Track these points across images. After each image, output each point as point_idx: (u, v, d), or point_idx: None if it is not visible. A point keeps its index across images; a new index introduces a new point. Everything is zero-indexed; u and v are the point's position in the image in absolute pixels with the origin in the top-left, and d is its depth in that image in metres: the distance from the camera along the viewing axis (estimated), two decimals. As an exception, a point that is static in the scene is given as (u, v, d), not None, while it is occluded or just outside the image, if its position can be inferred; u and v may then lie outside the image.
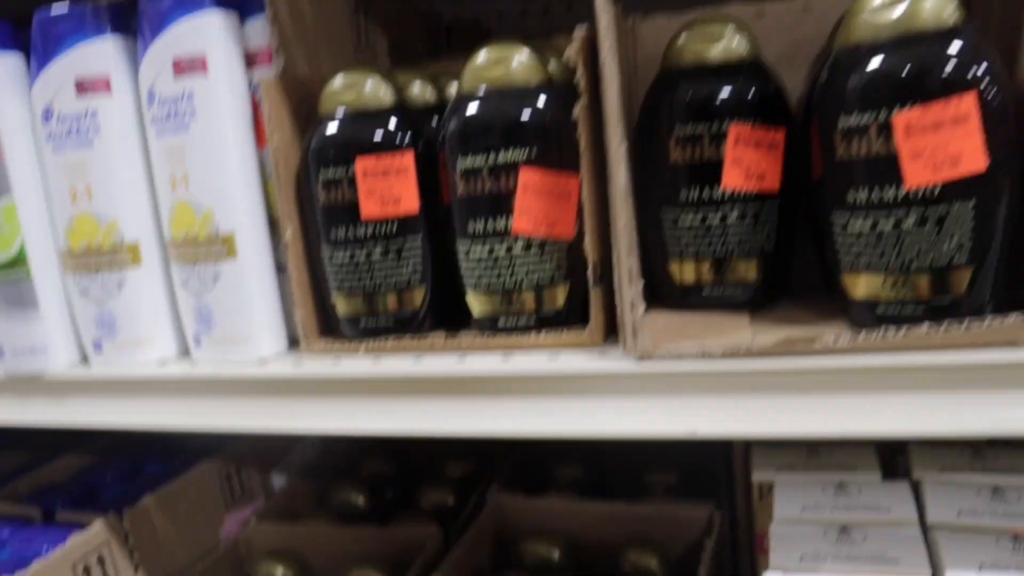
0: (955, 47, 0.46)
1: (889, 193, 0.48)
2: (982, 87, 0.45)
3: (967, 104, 0.45)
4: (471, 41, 1.13)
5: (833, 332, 0.50)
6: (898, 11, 0.47)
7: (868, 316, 0.51)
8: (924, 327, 0.48)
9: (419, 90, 0.70)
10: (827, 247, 0.53)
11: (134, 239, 0.69)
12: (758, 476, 0.76)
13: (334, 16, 0.73)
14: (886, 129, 0.47)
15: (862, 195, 0.49)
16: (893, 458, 0.80)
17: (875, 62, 0.47)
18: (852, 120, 0.48)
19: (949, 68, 0.46)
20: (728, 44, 0.58)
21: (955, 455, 0.74)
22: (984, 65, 0.45)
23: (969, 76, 0.45)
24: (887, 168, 0.47)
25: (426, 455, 1.07)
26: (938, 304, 0.49)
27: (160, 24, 0.64)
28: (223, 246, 0.66)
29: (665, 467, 1.02)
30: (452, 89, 0.72)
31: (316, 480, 1.06)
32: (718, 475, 0.93)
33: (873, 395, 0.49)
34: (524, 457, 1.06)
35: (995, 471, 0.71)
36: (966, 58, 0.45)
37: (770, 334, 0.53)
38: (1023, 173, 0.48)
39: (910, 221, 0.48)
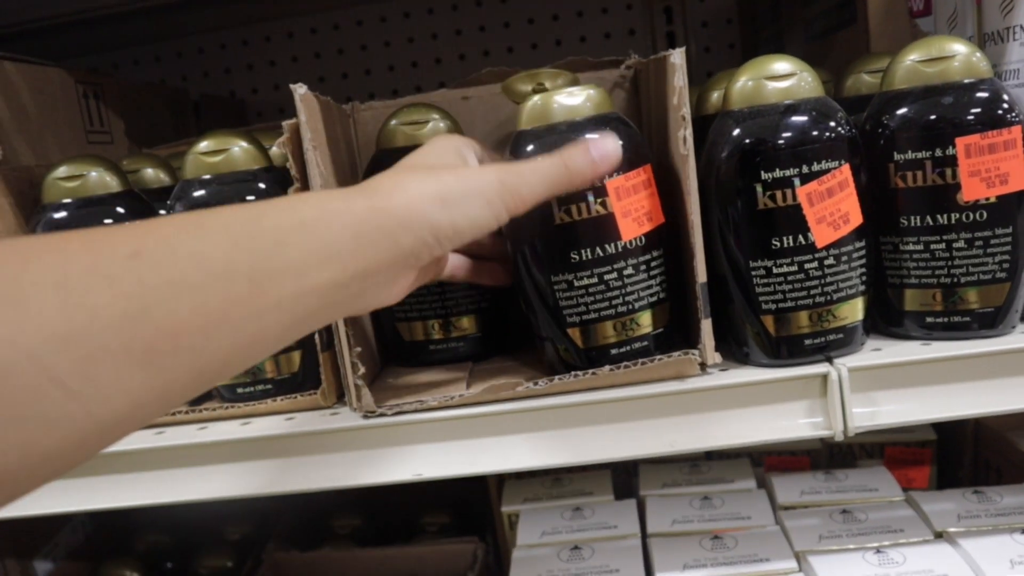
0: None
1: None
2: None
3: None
4: (221, 115, 1.16)
5: (532, 378, 0.57)
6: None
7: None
8: (606, 368, 0.56)
9: (152, 174, 0.72)
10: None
11: None
12: (506, 508, 0.83)
13: (60, 104, 0.74)
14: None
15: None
16: (628, 480, 0.89)
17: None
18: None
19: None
20: (435, 127, 0.65)
21: (676, 470, 0.84)
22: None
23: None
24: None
25: (204, 521, 1.07)
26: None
27: None
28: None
29: (439, 508, 1.07)
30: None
31: (87, 562, 1.02)
32: (485, 511, 0.99)
33: (563, 428, 0.57)
34: (302, 512, 1.08)
35: (706, 482, 0.81)
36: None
37: (481, 386, 0.59)
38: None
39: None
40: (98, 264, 0.34)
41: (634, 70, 0.70)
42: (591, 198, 0.54)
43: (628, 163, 0.55)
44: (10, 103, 0.67)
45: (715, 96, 0.65)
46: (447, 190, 0.45)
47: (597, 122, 0.55)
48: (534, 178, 0.48)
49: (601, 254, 0.55)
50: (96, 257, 0.34)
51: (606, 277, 0.55)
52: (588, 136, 0.53)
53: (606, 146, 0.51)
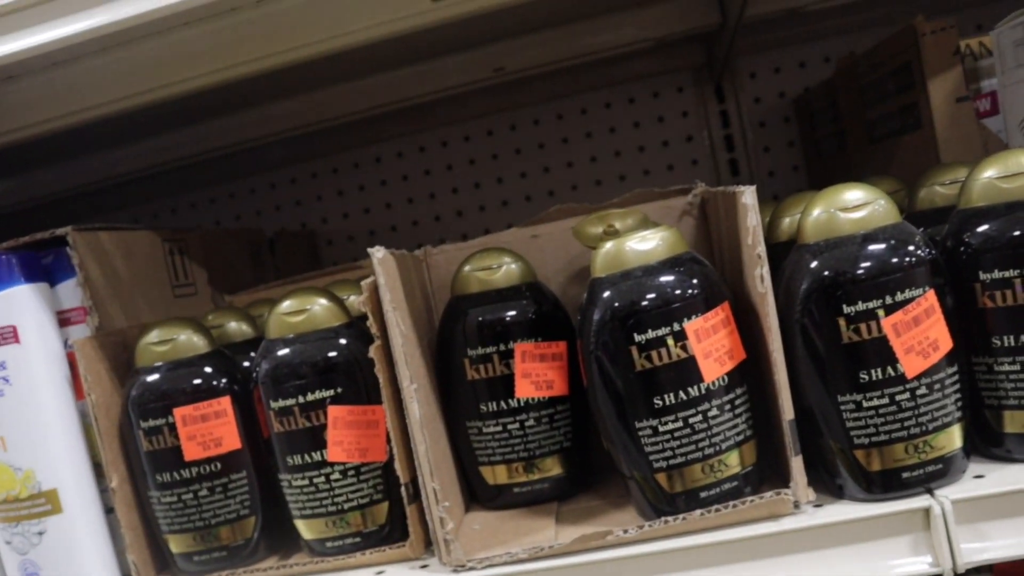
0: None
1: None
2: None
3: None
4: (294, 248, 1.20)
5: (622, 525, 0.56)
6: None
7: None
8: (697, 512, 0.55)
9: (235, 327, 0.74)
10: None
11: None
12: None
13: (148, 264, 0.78)
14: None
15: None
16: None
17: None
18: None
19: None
20: (508, 270, 0.66)
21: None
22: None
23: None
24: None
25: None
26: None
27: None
28: (46, 502, 0.67)
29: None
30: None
31: None
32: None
33: (658, 575, 0.56)
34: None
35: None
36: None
37: (570, 531, 0.58)
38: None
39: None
40: None
41: (701, 197, 0.70)
42: (671, 342, 0.54)
43: (705, 303, 0.55)
44: (104, 270, 0.70)
45: (787, 222, 0.65)
46: None
47: (671, 264, 0.55)
48: None
49: (685, 397, 0.54)
50: None
51: (691, 420, 0.55)
52: None
53: None
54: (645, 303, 0.54)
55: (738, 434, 0.56)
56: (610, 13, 1.02)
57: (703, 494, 0.56)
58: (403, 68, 1.07)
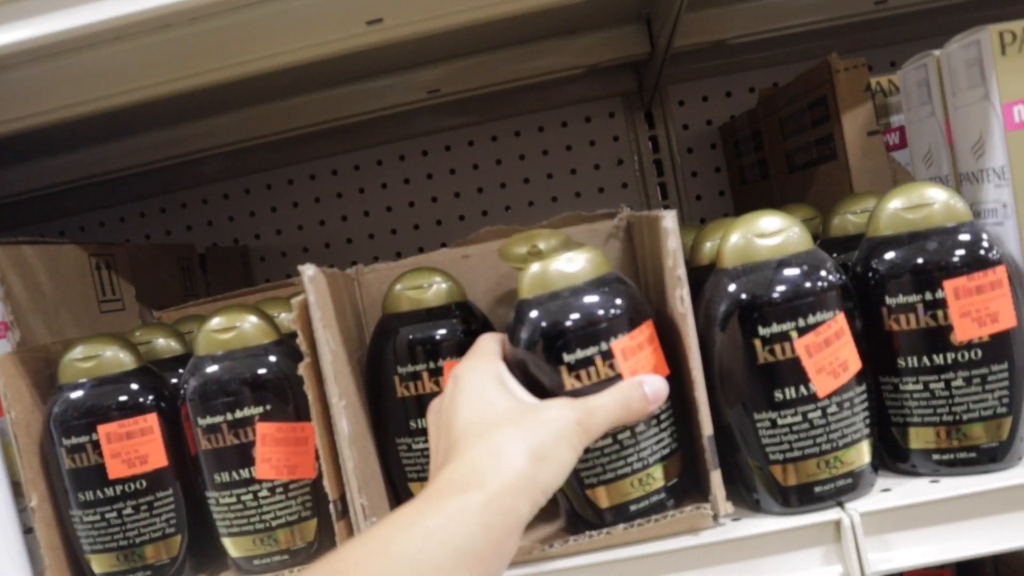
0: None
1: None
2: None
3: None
4: (226, 264, 1.19)
5: (550, 540, 0.58)
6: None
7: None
8: (620, 527, 0.57)
9: (163, 343, 0.73)
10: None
11: None
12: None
13: (74, 278, 0.77)
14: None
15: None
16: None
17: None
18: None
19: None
20: (438, 289, 0.67)
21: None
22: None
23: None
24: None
25: None
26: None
27: None
28: (-37, 522, 0.65)
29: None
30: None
31: None
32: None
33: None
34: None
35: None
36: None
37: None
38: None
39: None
40: None
41: (626, 221, 0.72)
42: (599, 361, 0.55)
43: (630, 322, 0.57)
44: (27, 284, 0.69)
45: (708, 246, 0.67)
46: (540, 444, 0.49)
47: (597, 284, 0.57)
48: (602, 415, 0.52)
49: (610, 415, 0.56)
50: None
51: (619, 436, 0.56)
52: (643, 378, 0.55)
53: (656, 386, 0.55)
54: (571, 323, 0.56)
55: (664, 448, 0.58)
56: (544, 40, 1.05)
57: (632, 507, 0.58)
58: (339, 87, 1.08)
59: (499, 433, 0.49)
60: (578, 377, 0.55)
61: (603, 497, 0.57)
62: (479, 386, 0.53)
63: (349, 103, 1.09)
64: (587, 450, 0.56)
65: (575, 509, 0.59)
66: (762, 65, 1.23)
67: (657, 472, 0.58)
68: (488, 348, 0.56)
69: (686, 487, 0.60)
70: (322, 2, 0.73)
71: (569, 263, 0.57)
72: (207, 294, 1.04)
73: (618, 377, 0.55)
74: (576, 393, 0.55)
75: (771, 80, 1.22)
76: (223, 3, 0.65)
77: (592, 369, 0.55)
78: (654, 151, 1.26)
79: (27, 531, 0.68)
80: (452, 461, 0.49)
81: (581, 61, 1.07)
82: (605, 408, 0.53)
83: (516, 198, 1.28)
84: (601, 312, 0.56)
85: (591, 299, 0.56)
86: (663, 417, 0.58)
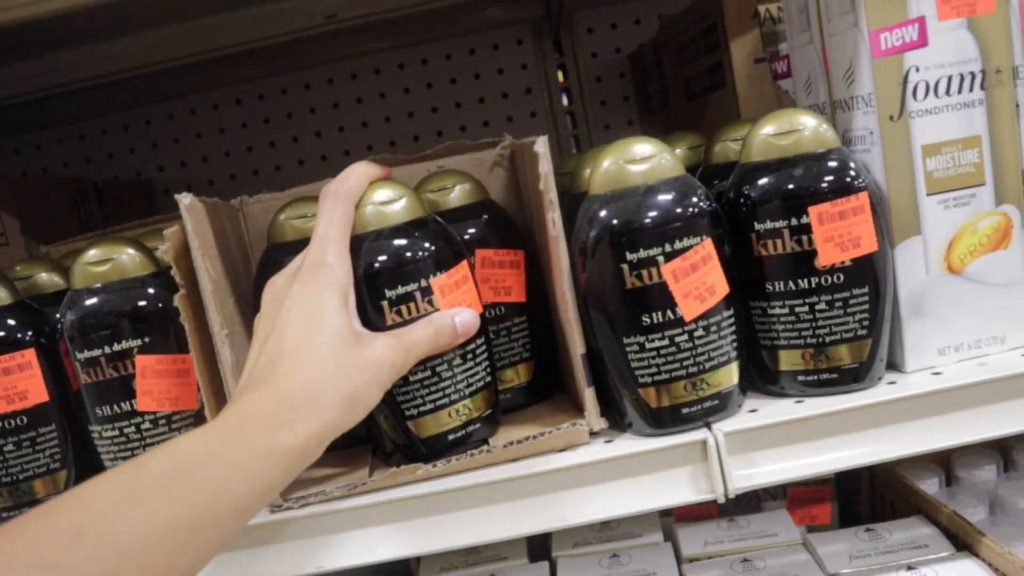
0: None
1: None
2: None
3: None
4: (126, 197, 1.16)
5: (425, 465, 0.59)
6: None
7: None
8: (500, 444, 0.59)
9: (46, 278, 0.72)
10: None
11: None
12: (424, 576, 0.84)
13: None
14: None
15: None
16: (545, 539, 0.91)
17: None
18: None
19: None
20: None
21: (587, 528, 0.86)
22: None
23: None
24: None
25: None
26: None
27: None
28: None
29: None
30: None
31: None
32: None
33: (462, 510, 0.59)
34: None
35: (616, 538, 0.83)
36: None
37: (385, 470, 0.60)
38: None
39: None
40: (44, 558, 0.36)
41: (510, 149, 0.72)
42: (419, 297, 0.57)
43: (447, 261, 0.58)
44: None
45: (587, 173, 0.68)
46: (354, 391, 0.51)
47: (415, 225, 0.58)
48: (416, 351, 0.55)
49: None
50: (40, 551, 0.37)
51: (438, 369, 0.58)
52: (455, 311, 0.57)
53: (467, 319, 0.57)
54: (388, 262, 0.57)
55: (478, 380, 0.60)
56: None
57: (450, 437, 0.60)
58: (236, 11, 1.04)
59: (320, 370, 0.50)
60: (399, 312, 0.56)
61: (421, 428, 0.59)
62: (320, 302, 0.53)
63: (248, 27, 1.05)
64: (407, 382, 0.58)
65: (396, 446, 0.61)
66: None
67: (472, 403, 0.60)
68: (341, 261, 0.56)
69: (496, 417, 0.63)
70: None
71: (390, 205, 0.58)
72: (104, 228, 1.01)
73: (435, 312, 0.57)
74: (397, 327, 0.56)
75: (680, 6, 1.22)
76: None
77: (412, 305, 0.56)
78: (564, 79, 1.26)
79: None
80: (269, 384, 0.49)
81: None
82: (418, 344, 0.55)
83: (425, 128, 1.26)
84: (419, 252, 0.57)
85: (405, 240, 0.57)
86: (478, 351, 0.60)
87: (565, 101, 1.26)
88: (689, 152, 0.75)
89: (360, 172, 0.58)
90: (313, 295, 0.53)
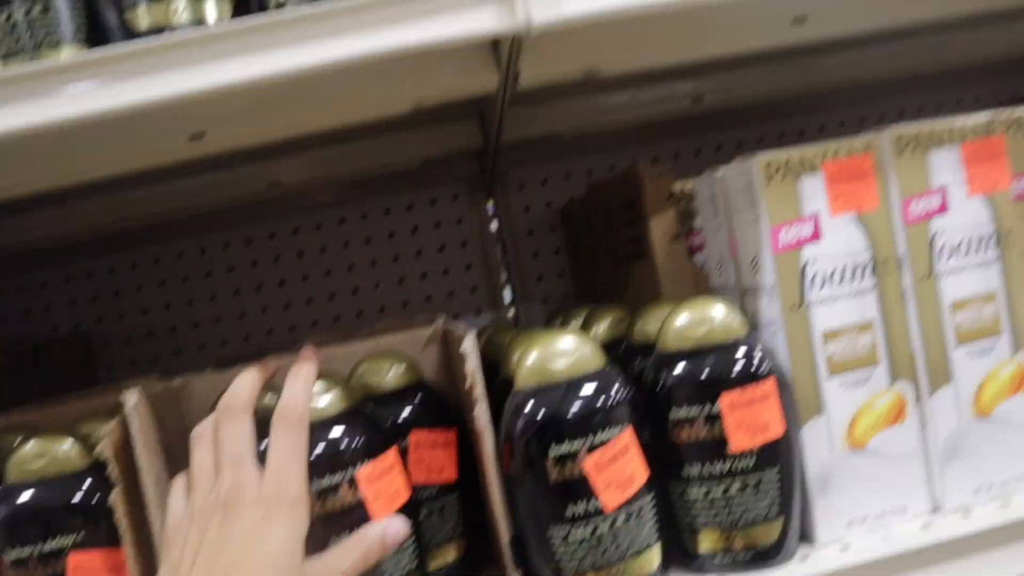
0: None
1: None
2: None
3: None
4: (64, 355, 1.16)
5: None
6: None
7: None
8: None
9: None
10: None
11: None
12: None
13: None
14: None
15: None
16: None
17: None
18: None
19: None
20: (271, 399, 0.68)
21: None
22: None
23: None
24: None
25: None
26: None
27: None
28: None
29: None
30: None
31: None
32: None
33: None
34: None
35: None
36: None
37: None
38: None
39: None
40: None
41: (444, 329, 0.76)
42: (345, 487, 0.58)
43: (375, 449, 0.60)
44: None
45: (516, 357, 0.71)
46: None
47: (346, 415, 0.61)
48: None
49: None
50: None
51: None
52: (384, 525, 0.57)
53: (396, 529, 0.57)
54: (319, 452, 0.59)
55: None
56: (380, 134, 1.08)
57: None
58: (178, 181, 1.08)
59: None
60: (323, 503, 0.58)
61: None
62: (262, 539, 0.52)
63: (190, 195, 1.09)
64: None
65: None
66: (599, 151, 1.30)
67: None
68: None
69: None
70: (144, 118, 0.74)
71: (319, 399, 0.61)
72: (40, 389, 1.02)
73: (360, 504, 0.58)
74: (325, 518, 0.57)
75: (608, 164, 1.30)
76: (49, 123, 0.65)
77: (337, 496, 0.58)
78: (497, 233, 1.31)
79: None
80: None
81: (419, 155, 1.11)
82: (351, 572, 0.54)
83: (362, 280, 1.30)
84: (346, 443, 0.59)
85: (337, 430, 0.59)
86: (405, 543, 0.61)
87: (500, 253, 1.31)
88: (613, 327, 0.79)
89: (247, 382, 0.58)
90: (255, 531, 0.52)
